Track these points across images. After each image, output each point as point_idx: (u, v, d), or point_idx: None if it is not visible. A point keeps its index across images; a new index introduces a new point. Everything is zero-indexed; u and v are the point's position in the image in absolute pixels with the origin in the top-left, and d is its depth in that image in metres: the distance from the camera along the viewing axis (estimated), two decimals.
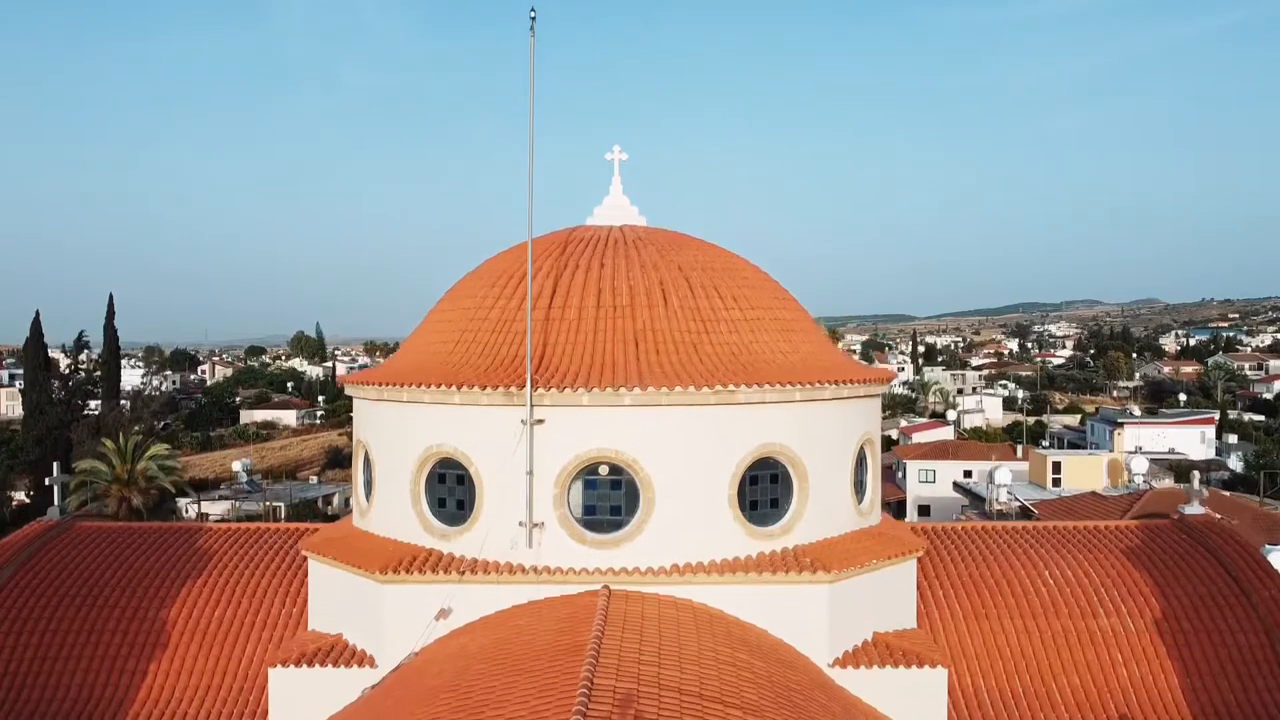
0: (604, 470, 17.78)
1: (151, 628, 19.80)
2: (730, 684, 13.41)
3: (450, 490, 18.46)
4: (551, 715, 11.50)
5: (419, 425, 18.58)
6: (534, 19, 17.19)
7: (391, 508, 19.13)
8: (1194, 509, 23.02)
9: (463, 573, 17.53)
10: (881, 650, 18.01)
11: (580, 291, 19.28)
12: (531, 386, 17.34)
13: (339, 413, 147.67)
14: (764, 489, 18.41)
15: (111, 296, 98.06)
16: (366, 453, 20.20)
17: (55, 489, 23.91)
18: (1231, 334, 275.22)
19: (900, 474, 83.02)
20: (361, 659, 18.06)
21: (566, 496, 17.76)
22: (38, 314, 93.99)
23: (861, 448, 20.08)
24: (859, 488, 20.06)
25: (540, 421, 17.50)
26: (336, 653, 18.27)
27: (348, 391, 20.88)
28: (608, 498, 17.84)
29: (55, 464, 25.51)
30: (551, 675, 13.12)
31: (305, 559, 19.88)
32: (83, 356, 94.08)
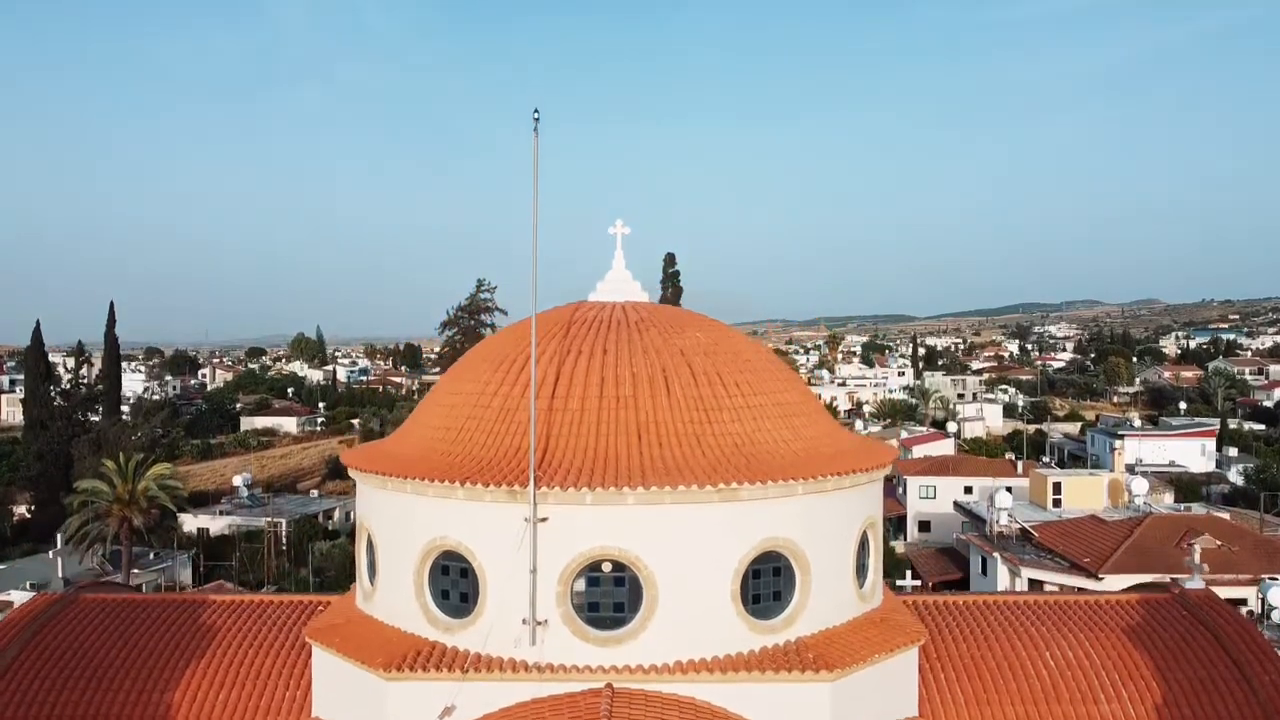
0: (607, 567, 17.85)
1: (155, 712, 19.86)
2: None
3: (454, 583, 18.53)
4: None
5: (422, 517, 18.64)
6: (538, 120, 17.25)
7: (395, 595, 19.20)
8: (1194, 583, 23.07)
9: (466, 670, 17.60)
10: None
11: (583, 380, 19.31)
12: (535, 485, 17.39)
13: (339, 419, 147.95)
14: (766, 582, 18.47)
15: (113, 305, 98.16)
16: (370, 536, 20.25)
17: (59, 561, 23.87)
18: (1232, 336, 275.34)
19: (901, 489, 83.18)
20: None
21: (570, 593, 17.82)
22: (38, 324, 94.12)
23: (864, 531, 20.15)
24: (861, 570, 20.13)
25: (544, 520, 17.56)
26: None
27: (350, 473, 20.92)
28: (611, 594, 17.90)
29: (58, 535, 25.49)
30: None
31: (309, 641, 19.94)
32: (83, 371, 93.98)
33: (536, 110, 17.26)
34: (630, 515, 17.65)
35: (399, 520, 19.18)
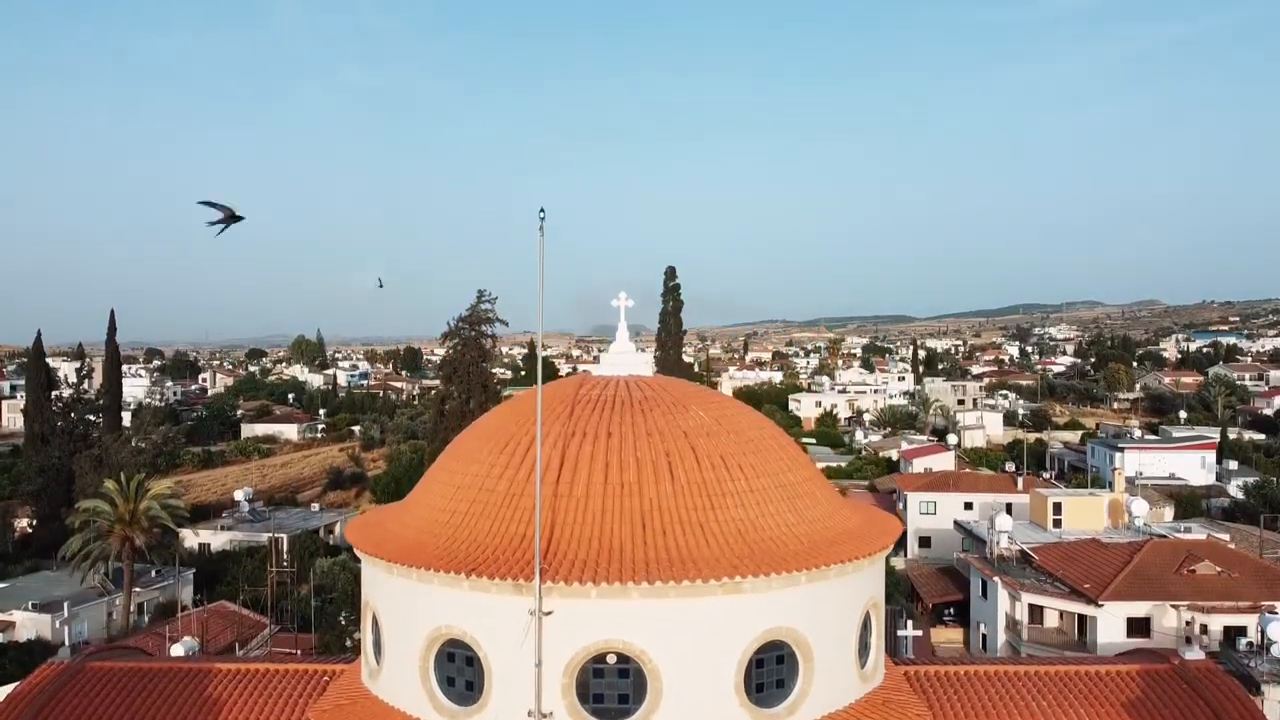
0: (611, 659, 17.97)
1: None
2: None
3: (460, 670, 18.65)
4: None
5: (428, 604, 18.77)
6: (543, 219, 17.32)
7: (401, 679, 19.33)
8: (1194, 653, 23.20)
9: None
10: None
11: (588, 464, 19.43)
12: (540, 578, 17.51)
13: (339, 426, 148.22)
14: (769, 670, 18.59)
15: (113, 313, 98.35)
16: (375, 615, 20.36)
17: (66, 630, 24.02)
18: (1232, 339, 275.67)
19: (901, 504, 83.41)
20: None
21: (574, 685, 17.94)
22: (39, 334, 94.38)
23: (867, 612, 20.28)
24: (863, 650, 20.27)
25: (549, 613, 17.68)
26: None
27: (356, 551, 21.04)
28: (615, 686, 18.03)
29: (66, 605, 25.63)
30: None
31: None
32: (84, 385, 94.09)
33: (543, 210, 17.34)
34: (635, 608, 17.78)
35: (404, 605, 19.31)
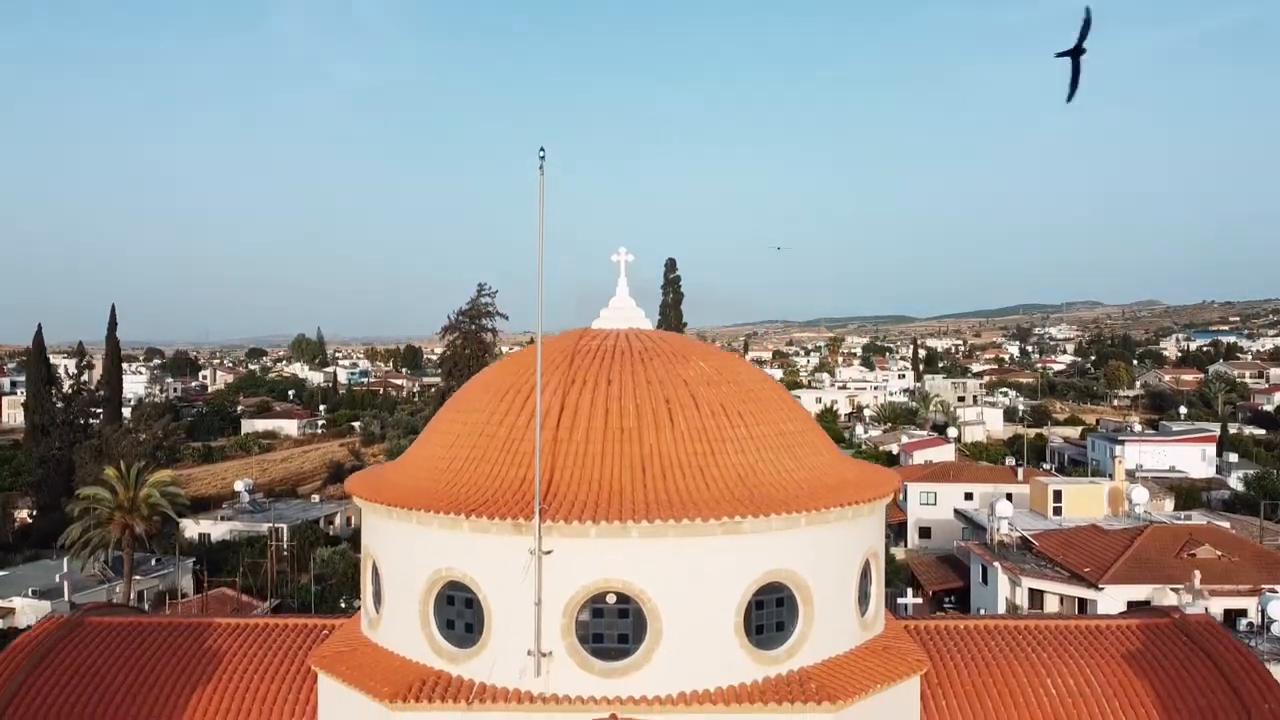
0: (611, 599, 17.97)
1: None
2: None
3: (459, 613, 18.65)
4: None
5: (427, 548, 18.76)
6: (543, 158, 17.34)
7: (401, 624, 19.33)
8: (1194, 608, 23.18)
9: (471, 701, 17.73)
10: None
11: (588, 411, 19.43)
12: (540, 518, 17.51)
13: (340, 423, 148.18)
14: (769, 613, 18.59)
15: (114, 308, 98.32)
16: (375, 563, 20.37)
17: (65, 585, 23.99)
18: (1232, 338, 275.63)
19: (902, 495, 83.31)
20: None
21: (574, 625, 17.94)
22: (40, 329, 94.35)
23: (866, 560, 20.28)
24: (863, 599, 20.26)
25: (548, 552, 17.68)
26: None
27: (355, 500, 21.04)
28: (615, 626, 18.02)
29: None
30: None
31: (315, 669, 20.06)
32: (84, 376, 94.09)
33: (542, 150, 17.36)
34: (634, 548, 17.77)
35: (404, 550, 19.31)
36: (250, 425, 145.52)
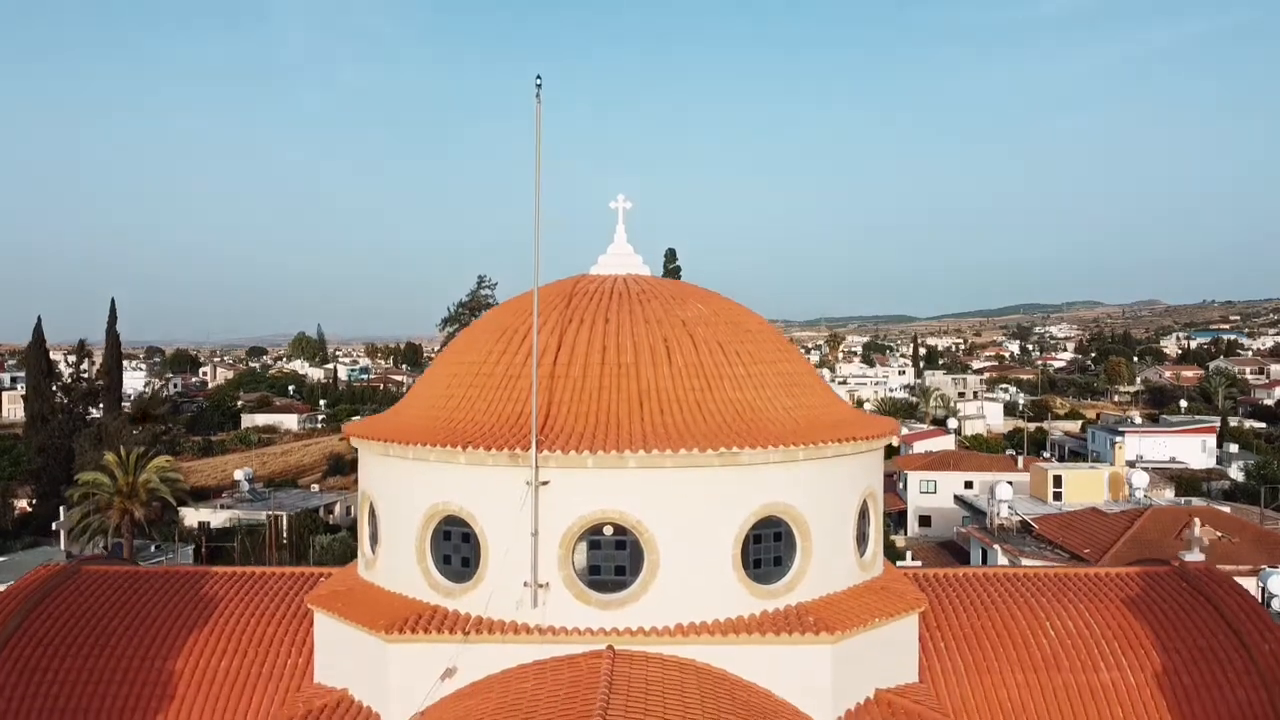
0: (608, 531, 17.91)
1: (159, 679, 19.93)
2: None
3: (455, 548, 18.59)
4: None
5: (424, 483, 18.71)
6: (540, 86, 17.31)
7: (397, 562, 19.27)
8: (1194, 555, 23.11)
9: (468, 632, 17.66)
10: (884, 708, 18.14)
11: (585, 348, 19.38)
12: (536, 449, 17.46)
13: (340, 417, 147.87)
14: (767, 547, 18.53)
15: (114, 301, 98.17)
16: (372, 504, 20.32)
17: (61, 533, 23.93)
18: (1233, 336, 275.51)
19: (901, 484, 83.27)
20: (368, 716, 18.20)
21: (571, 557, 17.88)
22: (39, 320, 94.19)
23: (864, 501, 20.22)
24: (861, 540, 20.20)
25: (545, 483, 17.62)
26: (342, 710, 18.42)
27: (353, 442, 20.98)
28: (612, 558, 17.96)
29: (62, 509, 25.55)
30: None
31: (311, 607, 20.01)
32: (84, 365, 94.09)
33: (539, 77, 17.34)
34: (631, 479, 17.71)
35: (401, 487, 19.24)
36: (250, 420, 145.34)
